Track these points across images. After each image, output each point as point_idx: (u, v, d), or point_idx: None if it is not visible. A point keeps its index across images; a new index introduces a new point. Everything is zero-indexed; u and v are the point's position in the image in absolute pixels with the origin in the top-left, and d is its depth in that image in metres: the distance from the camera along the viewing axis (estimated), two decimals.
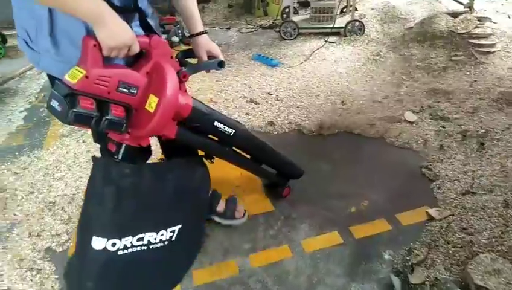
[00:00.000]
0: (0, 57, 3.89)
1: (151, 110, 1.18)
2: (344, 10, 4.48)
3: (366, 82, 3.16)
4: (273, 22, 4.62)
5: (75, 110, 1.04)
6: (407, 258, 1.68)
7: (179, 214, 1.46)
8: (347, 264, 1.69)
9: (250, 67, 3.54)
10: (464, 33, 3.34)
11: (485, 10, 4.11)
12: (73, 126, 2.67)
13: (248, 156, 1.78)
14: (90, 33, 1.06)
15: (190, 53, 1.45)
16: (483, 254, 1.63)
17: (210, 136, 1.53)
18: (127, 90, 1.15)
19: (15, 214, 1.97)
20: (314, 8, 4.10)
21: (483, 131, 2.43)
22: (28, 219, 1.93)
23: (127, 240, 1.31)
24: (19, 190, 2.13)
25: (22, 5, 1.10)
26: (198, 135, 1.46)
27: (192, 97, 1.37)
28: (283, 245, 1.79)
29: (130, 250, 1.33)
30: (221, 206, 1.86)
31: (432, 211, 1.92)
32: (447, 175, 2.14)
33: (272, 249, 1.78)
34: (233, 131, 1.52)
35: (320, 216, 1.94)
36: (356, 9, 4.33)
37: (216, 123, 1.46)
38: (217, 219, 1.85)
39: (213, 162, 1.65)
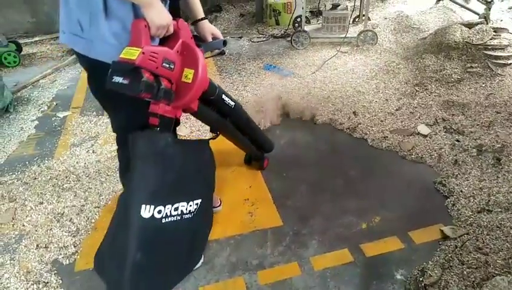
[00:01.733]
0: (15, 65, 3.94)
1: (189, 81, 1.39)
2: (357, 20, 4.45)
3: (379, 93, 3.11)
4: (284, 32, 4.60)
5: (144, 80, 1.21)
6: (420, 279, 1.63)
7: (200, 188, 1.56)
8: (357, 284, 1.64)
9: (261, 77, 3.52)
10: (479, 44, 3.26)
11: (501, 20, 4.03)
12: (80, 138, 2.69)
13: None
14: (137, 17, 1.25)
15: (196, 38, 1.60)
16: (499, 276, 1.58)
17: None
18: (168, 66, 1.33)
19: (23, 225, 1.97)
20: (326, 17, 4.07)
21: (500, 146, 2.36)
22: (36, 230, 1.94)
23: (168, 209, 1.40)
24: (28, 200, 2.13)
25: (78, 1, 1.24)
26: (208, 108, 1.68)
27: None
28: (292, 262, 1.76)
29: (169, 219, 1.42)
30: None
31: (446, 229, 1.87)
32: (461, 191, 2.08)
33: (280, 266, 1.75)
34: (234, 103, 1.79)
35: (331, 232, 1.91)
36: (369, 19, 4.30)
37: (223, 96, 1.72)
38: None
39: (217, 136, 1.81)
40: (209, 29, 1.65)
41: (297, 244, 1.85)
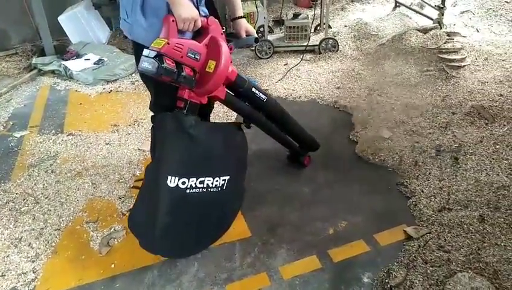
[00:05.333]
0: None
1: (211, 71, 1.59)
2: (318, 28, 4.54)
3: (341, 99, 3.16)
4: None
5: (163, 66, 1.43)
6: (386, 280, 1.66)
7: (227, 166, 1.73)
8: None
9: None
10: (434, 48, 3.40)
11: (454, 25, 4.21)
12: (38, 158, 2.59)
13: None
14: (169, 12, 1.50)
15: (233, 34, 1.86)
16: (461, 273, 1.62)
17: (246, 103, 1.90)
18: (193, 56, 1.55)
19: None
20: (288, 26, 4.14)
21: (457, 145, 2.46)
22: None
23: (193, 181, 1.59)
24: None
25: None
26: (239, 99, 1.85)
27: None
28: (261, 273, 1.75)
29: (194, 190, 1.60)
30: None
31: (410, 230, 1.91)
32: (423, 191, 2.14)
33: (249, 277, 1.73)
34: (266, 98, 1.93)
35: (298, 240, 1.91)
36: (330, 27, 4.39)
37: (253, 89, 1.87)
38: None
39: (250, 127, 1.96)
40: (245, 26, 1.85)
41: (266, 254, 1.84)
